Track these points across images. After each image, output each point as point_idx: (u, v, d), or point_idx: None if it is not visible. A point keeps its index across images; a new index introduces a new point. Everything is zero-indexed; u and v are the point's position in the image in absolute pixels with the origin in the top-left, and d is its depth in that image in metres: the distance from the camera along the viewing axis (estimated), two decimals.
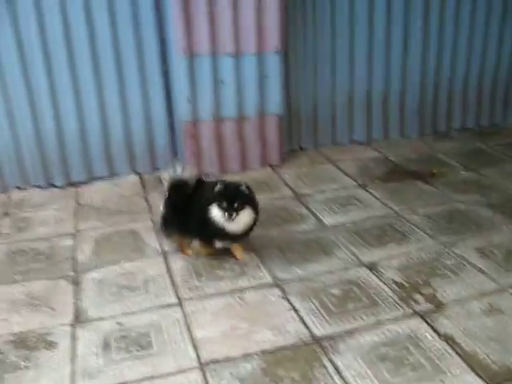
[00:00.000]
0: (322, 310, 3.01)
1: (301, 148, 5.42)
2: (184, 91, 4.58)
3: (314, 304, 3.07)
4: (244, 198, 3.16)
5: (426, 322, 2.88)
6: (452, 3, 5.34)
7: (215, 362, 2.64)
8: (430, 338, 2.76)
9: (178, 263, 3.49)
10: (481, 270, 3.33)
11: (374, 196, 4.40)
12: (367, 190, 4.51)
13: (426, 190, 4.49)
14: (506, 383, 2.46)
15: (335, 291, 3.18)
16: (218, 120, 4.74)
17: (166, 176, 3.42)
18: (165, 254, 3.59)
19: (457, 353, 2.65)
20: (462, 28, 5.47)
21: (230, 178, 4.19)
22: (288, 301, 3.11)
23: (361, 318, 2.94)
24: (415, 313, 2.96)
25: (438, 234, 3.78)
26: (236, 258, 3.49)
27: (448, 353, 2.65)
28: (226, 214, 3.10)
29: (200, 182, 3.41)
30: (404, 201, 4.29)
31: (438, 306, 3.01)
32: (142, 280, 3.34)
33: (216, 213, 3.14)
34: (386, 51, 5.31)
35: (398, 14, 5.20)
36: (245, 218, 3.18)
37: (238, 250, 3.49)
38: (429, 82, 5.58)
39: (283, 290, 3.20)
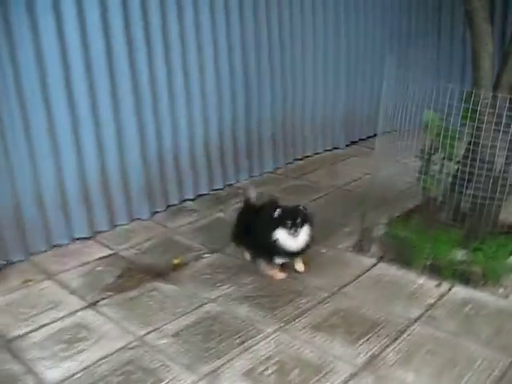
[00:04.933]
0: None
1: (8, 262, 4.16)
2: None
3: None
4: (304, 216, 3.52)
5: None
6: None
7: None
8: None
9: None
10: None
11: (109, 317, 3.43)
12: (98, 311, 3.51)
13: (169, 294, 3.66)
14: None
15: None
16: None
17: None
18: None
19: None
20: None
21: None
22: None
23: None
24: None
25: (196, 362, 2.97)
26: (296, 271, 3.77)
27: None
28: (292, 230, 3.44)
29: (266, 206, 3.72)
30: (146, 317, 3.40)
31: None
32: None
33: (281, 234, 3.48)
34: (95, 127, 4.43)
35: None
36: (304, 233, 3.53)
37: (298, 263, 3.78)
38: (151, 152, 4.83)
39: None
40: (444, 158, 4.02)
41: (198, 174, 5.24)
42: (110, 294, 3.70)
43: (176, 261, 4.09)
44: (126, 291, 3.72)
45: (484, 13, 3.67)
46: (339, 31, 6.18)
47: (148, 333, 3.25)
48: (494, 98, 3.68)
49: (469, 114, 3.77)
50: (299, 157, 6.15)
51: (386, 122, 4.66)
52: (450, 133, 3.92)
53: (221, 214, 4.89)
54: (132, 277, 3.92)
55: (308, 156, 6.22)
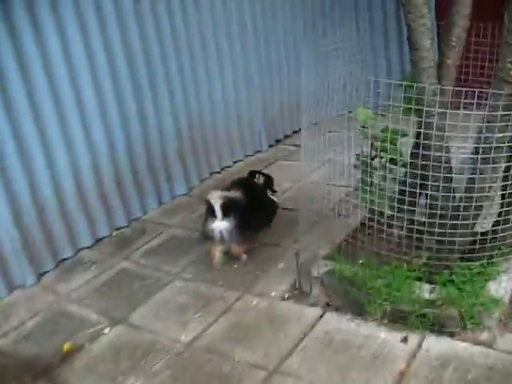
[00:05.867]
0: None
1: None
2: None
3: None
4: None
5: None
6: None
7: None
8: None
9: None
10: None
11: None
12: None
13: None
14: None
15: None
16: None
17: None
18: None
19: None
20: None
21: None
22: None
23: None
24: None
25: None
26: None
27: None
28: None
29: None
30: None
31: None
32: None
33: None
34: None
35: None
36: None
37: None
38: (23, 198, 3.76)
39: None
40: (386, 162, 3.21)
41: (92, 213, 4.21)
42: None
43: (67, 346, 3.11)
44: None
45: None
46: (245, 23, 5.23)
47: None
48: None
49: (412, 106, 2.95)
50: (216, 170, 5.21)
51: (309, 115, 3.82)
52: (389, 131, 3.11)
53: (125, 264, 3.91)
54: (5, 383, 2.92)
55: (227, 167, 5.29)
